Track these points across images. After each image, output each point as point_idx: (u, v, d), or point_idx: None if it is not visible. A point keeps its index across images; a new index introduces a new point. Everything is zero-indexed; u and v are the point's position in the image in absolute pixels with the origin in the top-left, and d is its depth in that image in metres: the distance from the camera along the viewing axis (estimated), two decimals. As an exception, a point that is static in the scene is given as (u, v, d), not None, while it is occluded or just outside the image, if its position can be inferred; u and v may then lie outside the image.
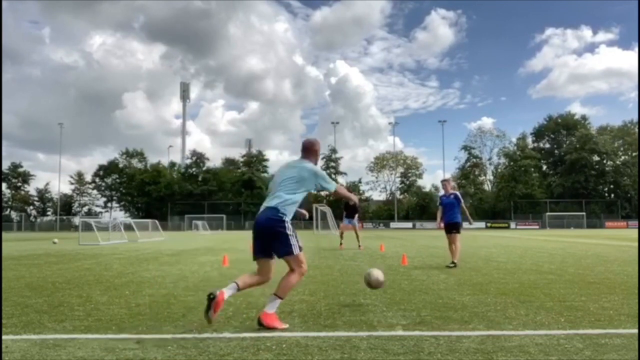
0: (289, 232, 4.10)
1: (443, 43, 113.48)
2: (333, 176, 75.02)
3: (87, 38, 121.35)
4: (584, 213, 62.64)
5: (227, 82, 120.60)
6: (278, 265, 4.26)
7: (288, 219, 4.15)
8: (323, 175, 4.37)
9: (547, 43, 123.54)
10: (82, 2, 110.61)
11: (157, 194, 72.64)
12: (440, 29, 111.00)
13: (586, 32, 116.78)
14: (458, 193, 9.96)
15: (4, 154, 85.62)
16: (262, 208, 4.25)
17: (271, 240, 4.12)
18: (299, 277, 4.19)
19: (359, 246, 14.44)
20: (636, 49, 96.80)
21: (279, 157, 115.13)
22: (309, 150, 4.50)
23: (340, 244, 14.97)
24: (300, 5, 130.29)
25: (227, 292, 3.98)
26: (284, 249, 4.09)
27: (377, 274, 5.29)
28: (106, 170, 79.00)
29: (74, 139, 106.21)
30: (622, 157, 74.51)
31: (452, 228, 9.86)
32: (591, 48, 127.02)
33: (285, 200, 4.16)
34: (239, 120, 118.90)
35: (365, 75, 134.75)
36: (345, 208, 15.04)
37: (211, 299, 3.88)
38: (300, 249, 4.17)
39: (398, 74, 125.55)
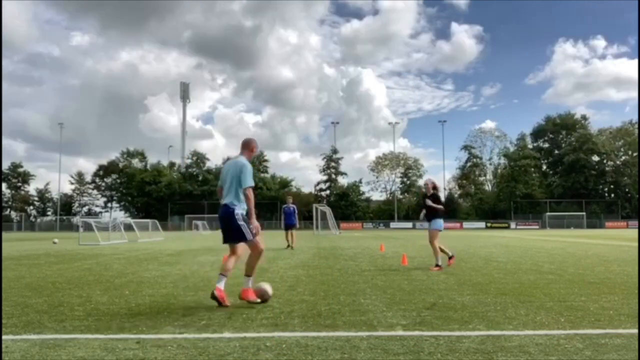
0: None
1: (468, 57, 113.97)
2: (333, 176, 75.16)
3: (128, 49, 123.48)
4: (584, 213, 62.60)
5: (256, 90, 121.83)
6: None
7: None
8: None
9: (558, 52, 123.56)
10: (133, 19, 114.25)
11: (157, 194, 72.61)
12: (466, 42, 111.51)
13: (598, 42, 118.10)
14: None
15: (4, 154, 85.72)
16: None
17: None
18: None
19: (292, 247, 15.04)
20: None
21: (289, 156, 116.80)
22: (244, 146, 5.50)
23: (288, 246, 15.00)
24: (333, 19, 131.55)
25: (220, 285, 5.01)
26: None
27: (264, 287, 5.28)
28: (106, 170, 79.02)
29: (96, 141, 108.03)
30: (623, 157, 74.52)
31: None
32: (600, 57, 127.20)
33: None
34: (259, 124, 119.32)
35: (382, 78, 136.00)
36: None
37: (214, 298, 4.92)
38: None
39: (415, 77, 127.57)
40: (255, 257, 5.22)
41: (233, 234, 5.17)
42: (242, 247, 5.30)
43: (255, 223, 5.18)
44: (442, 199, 13.00)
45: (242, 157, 5.38)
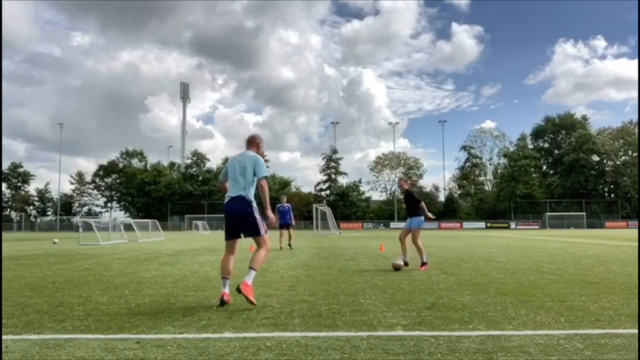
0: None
1: (468, 57, 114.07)
2: (333, 176, 75.16)
3: (128, 50, 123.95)
4: (584, 213, 62.62)
5: (256, 90, 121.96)
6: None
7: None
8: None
9: (558, 52, 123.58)
10: (134, 19, 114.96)
11: (157, 194, 72.61)
12: (466, 42, 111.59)
13: (598, 42, 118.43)
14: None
15: (4, 154, 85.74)
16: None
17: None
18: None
19: (290, 245, 15.18)
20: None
21: (289, 156, 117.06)
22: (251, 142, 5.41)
23: (280, 247, 14.75)
24: (334, 19, 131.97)
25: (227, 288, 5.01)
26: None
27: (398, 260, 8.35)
28: (106, 170, 79.01)
29: (96, 141, 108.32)
30: (623, 158, 74.53)
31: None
32: (601, 57, 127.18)
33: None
34: (260, 124, 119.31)
35: (382, 78, 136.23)
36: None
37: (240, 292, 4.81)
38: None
39: (416, 77, 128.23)
40: (266, 251, 5.13)
41: (248, 227, 5.03)
42: (238, 245, 5.26)
43: (271, 215, 5.13)
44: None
45: (249, 151, 5.30)
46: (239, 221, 5.05)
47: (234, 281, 5.26)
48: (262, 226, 5.06)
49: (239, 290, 4.75)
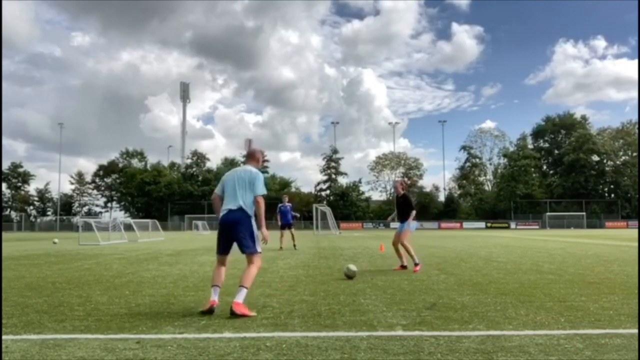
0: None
1: (468, 57, 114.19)
2: (333, 176, 75.16)
3: (129, 50, 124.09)
4: (584, 213, 62.59)
5: (256, 90, 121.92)
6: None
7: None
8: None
9: (558, 52, 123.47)
10: (135, 19, 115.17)
11: (157, 194, 72.59)
12: (467, 42, 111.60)
13: (598, 42, 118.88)
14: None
15: (4, 154, 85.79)
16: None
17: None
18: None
19: (294, 246, 15.19)
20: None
21: (289, 156, 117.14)
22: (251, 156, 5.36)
23: (281, 247, 14.67)
24: (334, 19, 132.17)
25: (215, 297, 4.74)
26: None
27: (351, 267, 7.34)
28: (106, 170, 79.01)
29: (96, 141, 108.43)
30: (622, 157, 74.53)
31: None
32: (601, 57, 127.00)
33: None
34: (260, 124, 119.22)
35: (382, 78, 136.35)
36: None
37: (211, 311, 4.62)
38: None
39: (416, 77, 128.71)
40: (257, 269, 4.88)
41: (244, 242, 4.80)
42: (229, 259, 5.04)
43: (266, 232, 5.00)
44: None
45: (249, 166, 5.16)
46: (235, 234, 4.82)
47: (231, 281, 5.26)
48: (258, 243, 4.87)
49: (233, 314, 4.44)
